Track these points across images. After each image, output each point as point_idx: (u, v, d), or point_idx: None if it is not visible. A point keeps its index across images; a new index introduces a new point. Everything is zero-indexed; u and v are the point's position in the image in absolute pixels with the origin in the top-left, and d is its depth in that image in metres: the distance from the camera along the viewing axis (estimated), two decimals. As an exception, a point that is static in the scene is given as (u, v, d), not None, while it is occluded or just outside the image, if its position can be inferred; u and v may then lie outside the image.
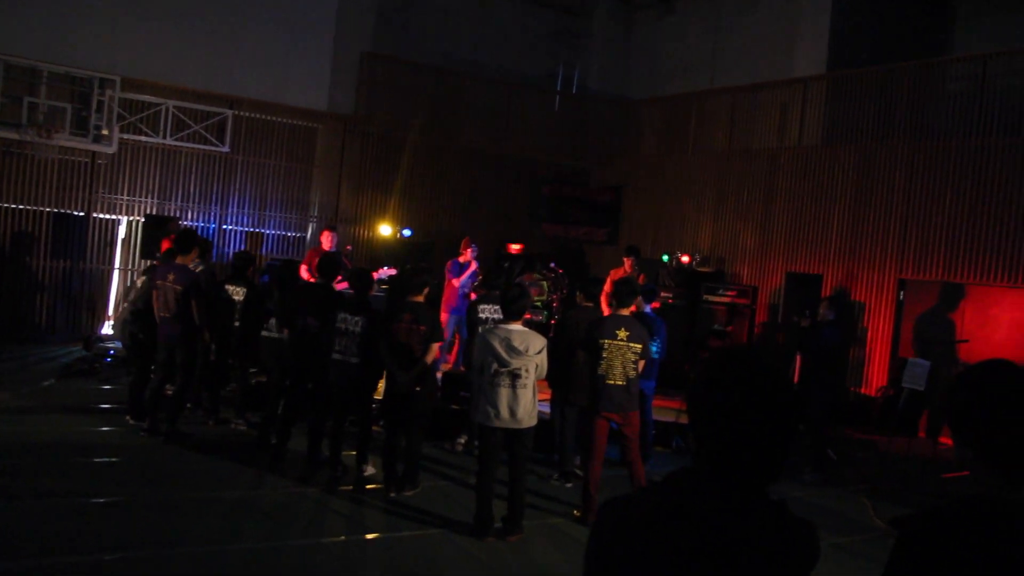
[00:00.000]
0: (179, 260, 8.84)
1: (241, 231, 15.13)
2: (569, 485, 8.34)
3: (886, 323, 12.66)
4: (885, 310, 12.69)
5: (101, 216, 14.05)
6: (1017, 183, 11.30)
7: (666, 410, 10.18)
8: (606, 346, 7.05)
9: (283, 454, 8.15)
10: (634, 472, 7.34)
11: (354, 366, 7.65)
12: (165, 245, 10.26)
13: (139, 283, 9.16)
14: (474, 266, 12.06)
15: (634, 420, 7.29)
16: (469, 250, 12.07)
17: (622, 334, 7.08)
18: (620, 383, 7.09)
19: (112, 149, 13.61)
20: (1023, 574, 1.77)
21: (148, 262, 9.27)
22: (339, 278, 10.65)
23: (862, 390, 12.80)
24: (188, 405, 9.69)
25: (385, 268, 12.44)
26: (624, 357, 7.05)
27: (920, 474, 9.31)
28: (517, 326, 6.70)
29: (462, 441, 9.22)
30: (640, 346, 7.15)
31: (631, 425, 7.24)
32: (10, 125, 12.70)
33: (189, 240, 9.01)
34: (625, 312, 7.24)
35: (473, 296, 12.03)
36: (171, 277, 8.65)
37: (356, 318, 7.66)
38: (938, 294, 12.61)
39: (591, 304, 8.56)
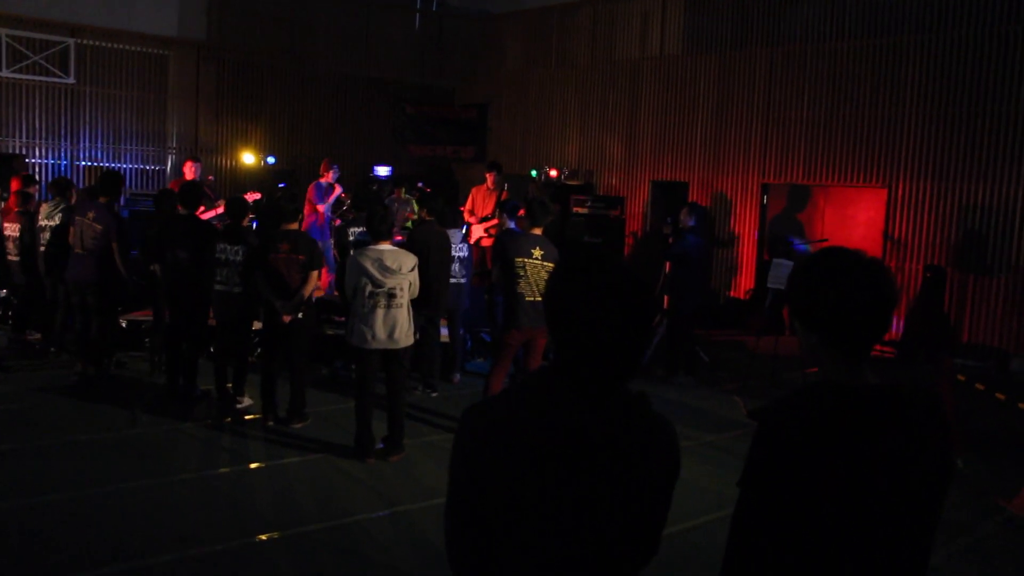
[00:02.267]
0: (103, 200, 8.52)
1: (96, 166, 14.47)
2: (435, 394, 8.49)
3: (751, 227, 13.12)
4: (750, 215, 13.14)
5: (-62, 157, 13.22)
6: (870, 85, 11.75)
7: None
8: (523, 264, 7.09)
9: (175, 390, 8.04)
10: None
11: (236, 296, 7.55)
12: (15, 185, 9.79)
13: None
14: (338, 189, 11.92)
15: (547, 333, 7.35)
16: (330, 172, 11.90)
17: (537, 252, 7.12)
18: (538, 299, 7.16)
19: (-56, 84, 12.75)
20: (869, 459, 1.86)
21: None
22: (202, 208, 10.39)
23: (731, 293, 13.30)
24: (52, 349, 9.41)
25: (250, 193, 12.17)
26: (539, 275, 7.12)
27: (787, 370, 9.78)
28: (387, 245, 6.68)
29: (339, 365, 9.22)
30: (553, 264, 7.21)
31: (544, 337, 7.36)
32: None
33: (117, 184, 8.70)
34: (537, 231, 7.27)
35: (338, 222, 11.92)
36: (91, 215, 8.32)
37: (236, 247, 7.53)
38: (787, 197, 13.14)
39: (432, 218, 8.62)
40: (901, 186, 11.49)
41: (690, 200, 13.14)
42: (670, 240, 10.15)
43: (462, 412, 2.02)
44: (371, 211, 6.82)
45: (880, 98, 11.65)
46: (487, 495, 1.90)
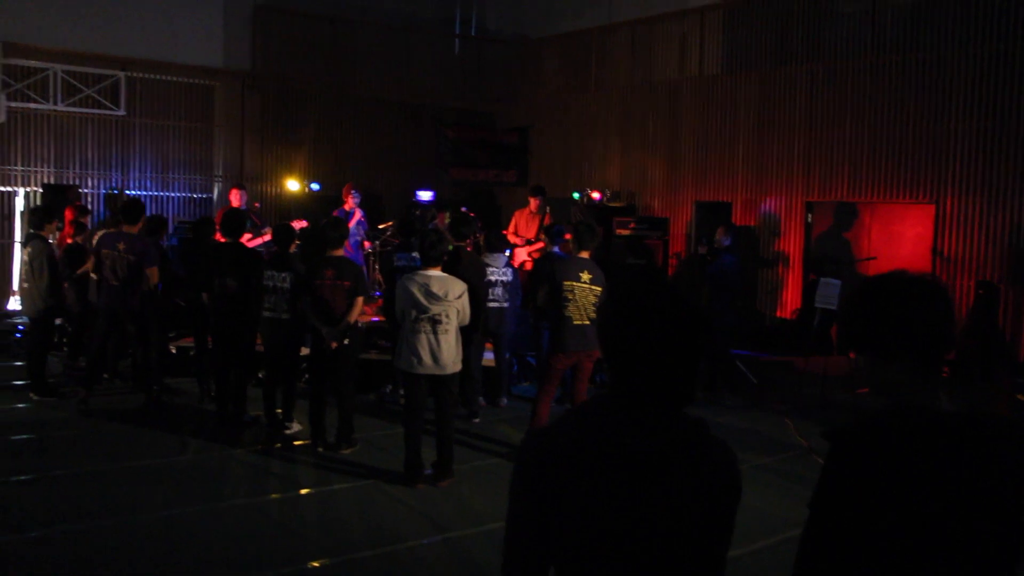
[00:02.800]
0: (125, 228, 8.63)
1: (145, 195, 14.73)
2: (476, 420, 8.48)
3: (796, 246, 13.01)
4: (795, 233, 13.03)
5: (-5, 189, 13.56)
6: (915, 99, 11.62)
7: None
8: (572, 288, 7.11)
9: (226, 416, 8.14)
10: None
11: (284, 322, 7.65)
12: (69, 214, 10.01)
13: (25, 254, 8.94)
14: (359, 215, 12.00)
15: (595, 356, 7.40)
16: (351, 197, 11.99)
17: (585, 276, 7.14)
18: (586, 323, 7.17)
19: (1, 118, 13.07)
20: (955, 485, 1.85)
21: (30, 231, 9.13)
22: (249, 235, 10.54)
23: (777, 313, 13.18)
24: (105, 375, 9.57)
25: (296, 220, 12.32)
26: (587, 299, 7.13)
27: (837, 391, 9.66)
28: (436, 272, 6.71)
29: (388, 390, 9.28)
30: (600, 288, 7.22)
31: (591, 360, 7.36)
32: None
33: (137, 210, 8.80)
34: (585, 255, 7.29)
35: (367, 245, 11.98)
36: (121, 246, 8.46)
37: (283, 274, 7.64)
38: (832, 214, 13.01)
39: (461, 243, 8.51)
40: (949, 201, 11.34)
41: (733, 220, 13.09)
42: (708, 259, 10.13)
43: (524, 436, 2.05)
44: (423, 236, 6.86)
45: (926, 113, 11.52)
46: (549, 518, 1.93)
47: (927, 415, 1.92)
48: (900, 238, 12.89)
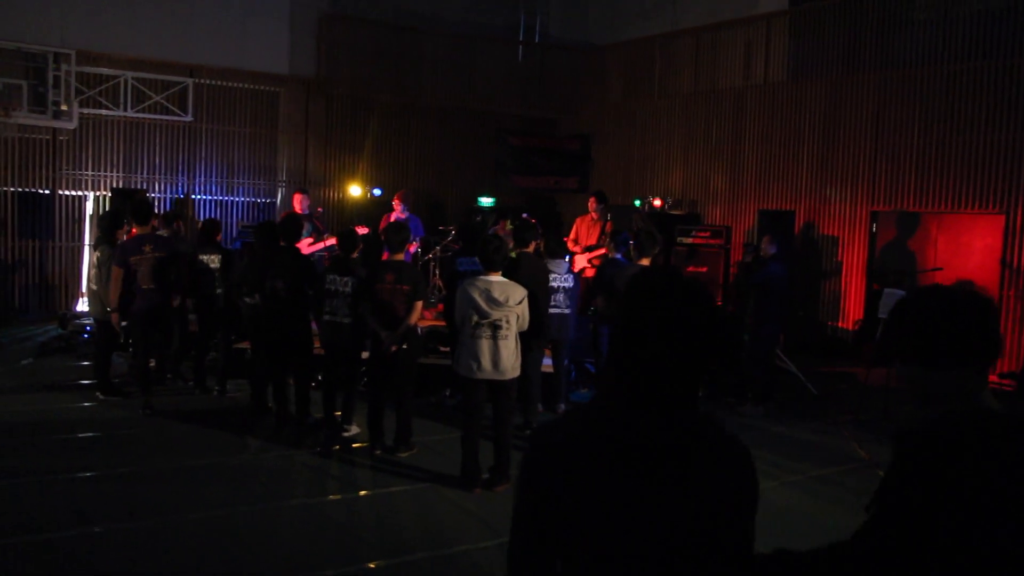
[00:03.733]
0: (138, 231, 8.68)
1: (210, 200, 15.01)
2: (528, 432, 8.41)
3: (860, 256, 12.77)
4: (859, 243, 12.79)
5: (67, 193, 13.88)
6: (985, 109, 11.35)
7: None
8: None
9: (286, 418, 8.22)
10: None
11: (345, 326, 7.69)
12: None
13: (94, 258, 9.12)
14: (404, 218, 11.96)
15: None
16: (400, 204, 11.96)
17: None
18: None
19: (73, 124, 13.41)
20: (1015, 484, 1.82)
21: (99, 235, 9.33)
22: (311, 240, 10.65)
23: (839, 324, 12.95)
24: (168, 375, 9.73)
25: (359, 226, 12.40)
26: None
27: (900, 403, 9.44)
28: (497, 277, 6.69)
29: (447, 395, 9.29)
30: None
31: None
32: (-34, 105, 12.50)
33: (147, 210, 8.88)
34: (645, 262, 7.21)
35: (411, 248, 11.93)
36: (147, 248, 8.57)
37: (345, 278, 7.68)
38: (897, 224, 12.73)
39: (527, 249, 8.42)
40: (1020, 212, 11.03)
41: (797, 230, 12.90)
42: (753, 268, 9.98)
43: (530, 432, 2.02)
44: (485, 241, 6.85)
45: (996, 121, 11.23)
46: (555, 513, 1.89)
47: (988, 416, 1.93)
48: (968, 249, 12.59)
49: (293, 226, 8.41)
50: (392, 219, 11.85)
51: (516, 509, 1.98)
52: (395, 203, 12.08)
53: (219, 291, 9.25)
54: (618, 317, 1.97)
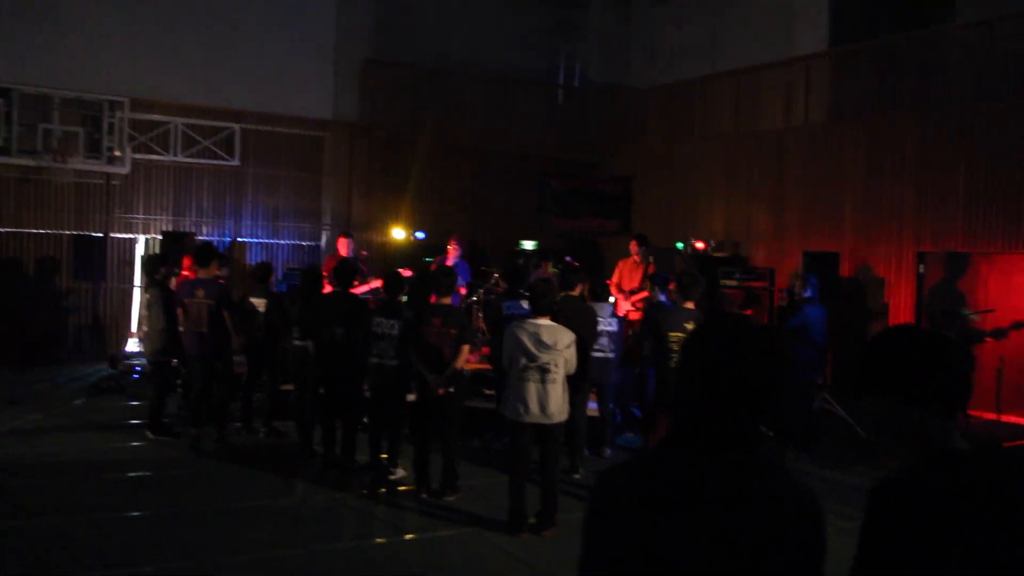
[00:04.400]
0: (202, 274, 8.96)
1: (256, 243, 15.25)
2: (577, 476, 8.37)
3: (907, 297, 12.62)
4: (905, 284, 12.65)
5: (119, 236, 14.20)
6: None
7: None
8: (677, 339, 7.04)
9: (333, 461, 8.28)
10: None
11: (392, 369, 7.73)
12: (186, 262, 10.39)
13: (143, 299, 9.32)
14: (455, 261, 12.05)
15: None
16: (452, 249, 12.08)
17: (690, 327, 7.07)
18: None
19: (126, 169, 13.76)
20: (1004, 521, 1.86)
21: (149, 277, 9.57)
22: (356, 283, 10.75)
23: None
24: (217, 417, 9.83)
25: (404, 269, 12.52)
26: None
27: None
28: (545, 321, 6.72)
29: (492, 438, 9.30)
30: None
31: None
32: (27, 152, 12.94)
33: (207, 254, 9.12)
34: (689, 305, 7.23)
35: (462, 291, 12.02)
36: (200, 293, 8.77)
37: (392, 321, 7.73)
38: (943, 266, 12.57)
39: (573, 293, 8.46)
40: (1074, 252, 10.87)
41: (843, 272, 12.79)
42: (789, 311, 9.91)
43: (598, 473, 2.07)
44: (533, 286, 6.91)
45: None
46: (617, 556, 1.91)
47: (960, 457, 1.97)
48: (1021, 289, 12.39)
49: (347, 272, 8.55)
50: (449, 262, 11.99)
51: (582, 550, 2.02)
52: (450, 246, 12.21)
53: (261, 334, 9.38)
54: (684, 361, 2.01)
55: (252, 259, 14.66)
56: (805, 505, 1.91)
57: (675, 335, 7.04)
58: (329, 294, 8.57)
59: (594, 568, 1.98)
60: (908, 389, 2.04)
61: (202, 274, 8.96)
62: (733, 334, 1.96)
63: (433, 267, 11.43)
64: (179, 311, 8.92)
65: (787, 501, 1.90)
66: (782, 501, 1.89)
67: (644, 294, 10.98)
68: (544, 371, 6.57)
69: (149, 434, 9.15)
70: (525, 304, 8.90)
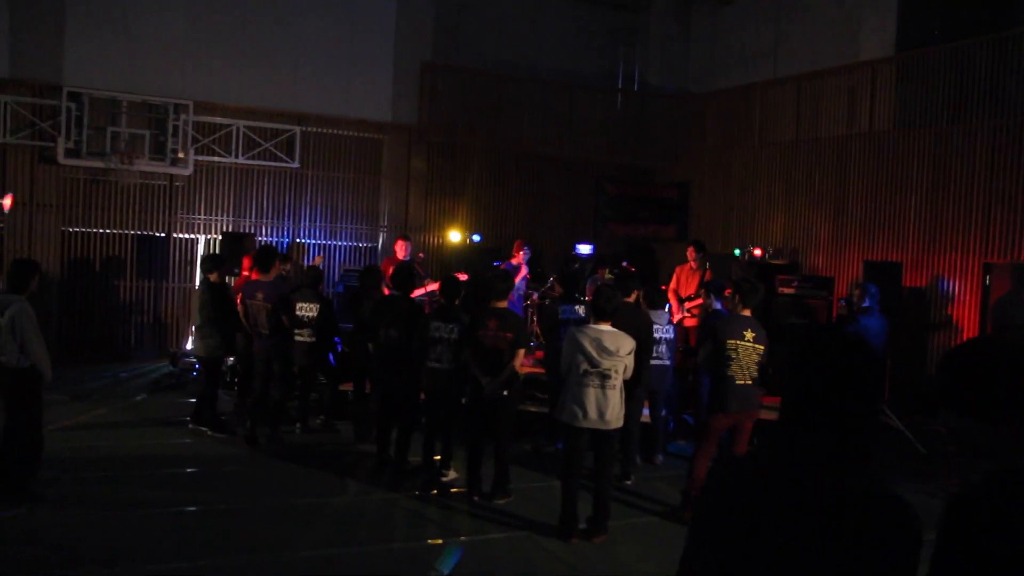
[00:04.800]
0: (261, 278, 9.11)
1: (314, 244, 15.43)
2: (629, 482, 8.30)
3: (972, 309, 12.33)
4: (970, 296, 12.37)
5: (181, 236, 14.48)
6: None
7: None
8: (735, 347, 6.99)
9: (386, 461, 8.36)
10: None
11: (448, 372, 7.76)
12: (246, 262, 10.55)
13: (197, 298, 9.46)
14: (524, 270, 12.09)
15: (755, 417, 7.28)
16: (521, 253, 12.13)
17: (748, 335, 7.02)
18: (748, 383, 7.05)
19: (188, 171, 14.03)
20: None
21: (202, 276, 9.76)
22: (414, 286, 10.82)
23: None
24: (276, 414, 9.94)
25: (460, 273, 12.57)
26: (750, 358, 7.00)
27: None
28: (607, 327, 6.69)
29: (546, 442, 9.28)
30: (763, 347, 7.09)
31: (751, 421, 7.23)
32: (96, 154, 13.34)
33: (269, 257, 9.26)
34: (747, 312, 7.17)
35: (535, 296, 12.06)
36: (260, 296, 8.94)
37: (451, 325, 7.76)
38: (1011, 277, 12.23)
39: (628, 299, 8.41)
40: None
41: (906, 282, 12.55)
42: (847, 322, 9.72)
43: (710, 467, 2.10)
44: (596, 291, 6.89)
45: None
46: (719, 553, 1.94)
47: None
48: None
49: (405, 277, 8.62)
50: (517, 267, 12.02)
51: (685, 547, 2.06)
52: (516, 251, 12.26)
53: (312, 339, 9.46)
54: (787, 375, 2.02)
55: (308, 260, 14.82)
56: (903, 523, 1.91)
57: (732, 343, 6.96)
58: (387, 297, 8.64)
59: (693, 564, 2.02)
60: (993, 407, 1.99)
61: (263, 278, 9.11)
62: (843, 349, 1.96)
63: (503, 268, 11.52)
64: (239, 310, 9.10)
65: (886, 520, 1.89)
66: (876, 518, 1.88)
67: (699, 301, 10.88)
68: (605, 377, 6.54)
69: (206, 431, 9.29)
70: (580, 309, 8.89)
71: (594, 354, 6.52)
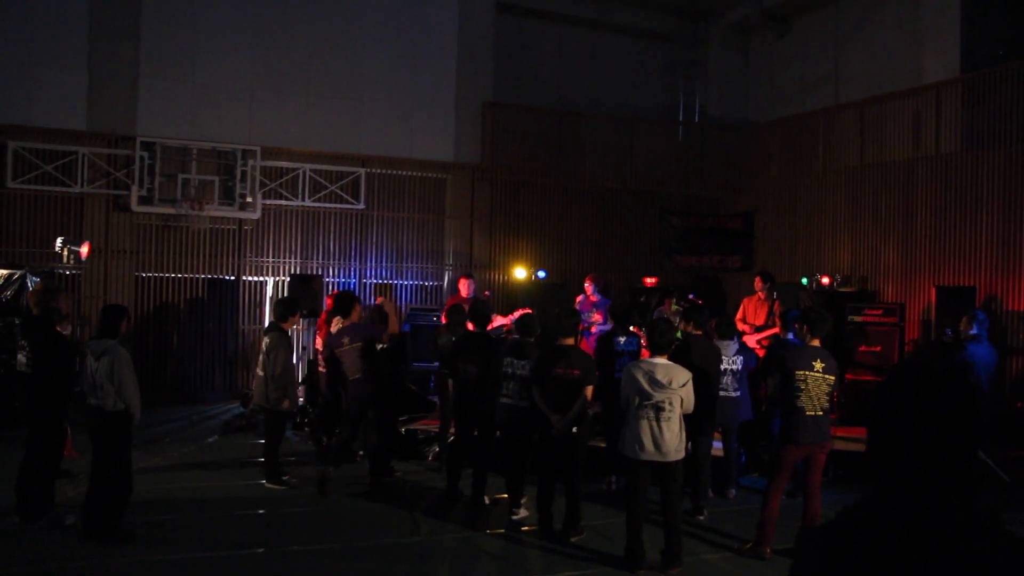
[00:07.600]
0: (343, 323, 9.25)
1: (380, 284, 15.61)
2: (701, 517, 8.18)
3: (1050, 334, 12.00)
4: (1048, 320, 12.04)
5: (249, 279, 14.77)
6: None
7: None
8: (805, 377, 6.92)
9: (456, 496, 8.41)
10: (811, 503, 7.12)
11: (522, 409, 7.79)
12: (328, 303, 10.69)
13: (263, 345, 9.20)
14: (598, 316, 11.93)
15: (828, 448, 7.17)
16: (590, 287, 12.06)
17: (818, 365, 6.95)
18: (819, 413, 6.96)
19: (256, 215, 14.34)
20: None
21: (271, 321, 9.88)
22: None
23: (1027, 405, 12.15)
24: (361, 453, 10.00)
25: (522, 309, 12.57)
26: (820, 388, 6.93)
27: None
28: (661, 360, 6.72)
29: (613, 480, 9.21)
30: (834, 378, 7.02)
31: (824, 452, 7.12)
32: (167, 201, 13.77)
33: (348, 302, 9.40)
34: (816, 343, 7.10)
35: (593, 329, 11.96)
36: (346, 340, 9.06)
37: (522, 362, 7.81)
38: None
39: (700, 332, 8.43)
40: None
41: (977, 307, 12.25)
42: (950, 349, 9.49)
43: (799, 536, 2.02)
44: (651, 325, 6.90)
45: None
46: None
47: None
48: None
49: (483, 313, 8.75)
50: (592, 300, 11.99)
51: None
52: (587, 286, 12.26)
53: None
54: (884, 413, 1.94)
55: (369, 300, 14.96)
56: (1010, 563, 1.83)
57: (801, 373, 6.87)
58: (469, 332, 8.70)
59: None
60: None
61: (345, 323, 9.24)
62: (937, 383, 1.90)
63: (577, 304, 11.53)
64: (320, 358, 9.24)
65: (1003, 558, 1.82)
66: (998, 557, 1.81)
67: (772, 331, 10.75)
68: (659, 409, 6.55)
69: (264, 483, 9.03)
70: (621, 340, 8.94)
71: (646, 387, 6.55)
